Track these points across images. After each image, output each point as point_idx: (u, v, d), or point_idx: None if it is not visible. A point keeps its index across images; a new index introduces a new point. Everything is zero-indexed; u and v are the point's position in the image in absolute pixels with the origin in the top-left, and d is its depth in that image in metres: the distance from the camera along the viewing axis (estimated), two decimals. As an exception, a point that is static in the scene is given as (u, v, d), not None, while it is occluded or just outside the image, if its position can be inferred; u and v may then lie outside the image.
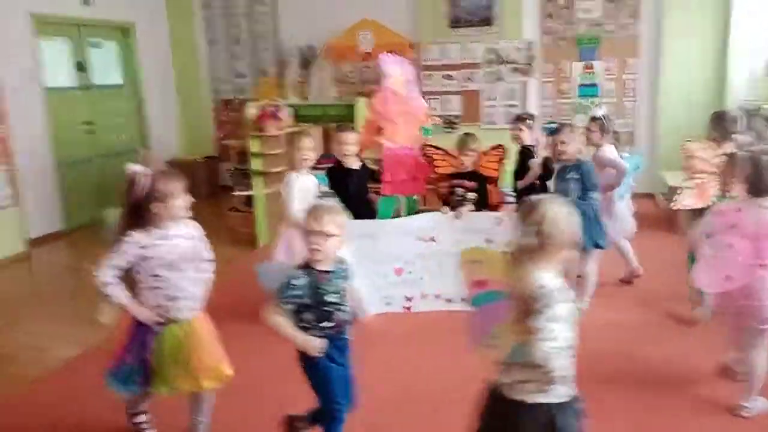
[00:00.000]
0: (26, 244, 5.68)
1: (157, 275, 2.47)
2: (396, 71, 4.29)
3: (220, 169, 8.11)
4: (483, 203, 4.02)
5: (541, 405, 1.77)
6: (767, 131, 5.63)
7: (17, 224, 5.60)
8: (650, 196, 6.77)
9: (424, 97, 4.81)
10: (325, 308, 2.30)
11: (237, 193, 5.58)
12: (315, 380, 2.42)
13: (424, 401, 2.98)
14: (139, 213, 2.44)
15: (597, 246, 3.78)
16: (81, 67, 6.80)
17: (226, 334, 3.79)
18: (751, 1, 6.05)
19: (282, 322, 2.26)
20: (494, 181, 4.08)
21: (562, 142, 3.76)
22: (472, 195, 4.00)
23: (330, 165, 4.16)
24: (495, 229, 3.91)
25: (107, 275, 2.42)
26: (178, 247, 2.52)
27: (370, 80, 7.21)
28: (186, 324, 2.56)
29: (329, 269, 2.33)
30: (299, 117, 5.88)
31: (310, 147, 3.69)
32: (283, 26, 7.76)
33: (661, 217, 5.78)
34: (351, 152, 3.98)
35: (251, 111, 5.52)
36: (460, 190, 4.02)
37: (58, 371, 3.47)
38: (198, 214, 4.86)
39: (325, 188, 4.00)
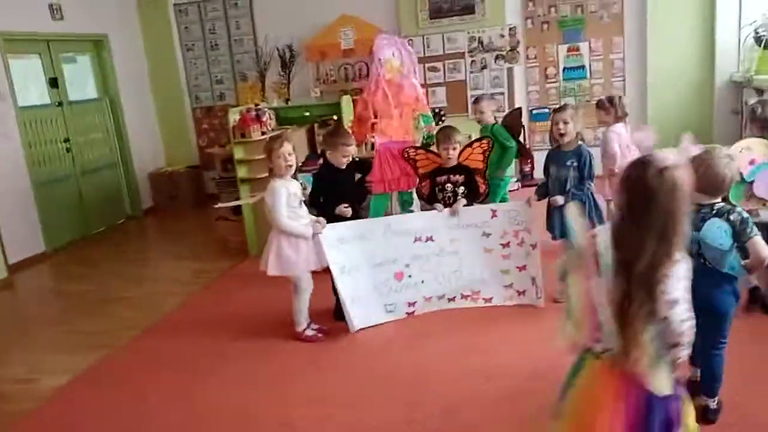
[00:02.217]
0: (6, 270, 5.48)
1: None
2: (392, 55, 4.09)
3: (204, 178, 7.94)
4: (474, 195, 3.91)
5: None
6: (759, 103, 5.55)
7: (-4, 249, 5.41)
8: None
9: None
10: None
11: (220, 204, 5.40)
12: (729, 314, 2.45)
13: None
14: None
15: None
16: (54, 83, 6.60)
17: (224, 347, 3.72)
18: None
19: None
20: (481, 172, 3.96)
21: (565, 122, 3.60)
22: (462, 189, 3.88)
23: (317, 166, 4.02)
24: (490, 222, 3.82)
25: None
26: None
27: (352, 77, 7.07)
28: None
29: None
30: (282, 119, 5.72)
31: (290, 152, 3.52)
32: (260, 28, 7.58)
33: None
34: (350, 159, 3.84)
35: (233, 117, 5.35)
36: (449, 186, 3.89)
37: (49, 403, 3.31)
38: (185, 225, 4.77)
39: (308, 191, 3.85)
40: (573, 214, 1.81)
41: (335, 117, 4.97)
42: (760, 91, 5.60)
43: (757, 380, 2.81)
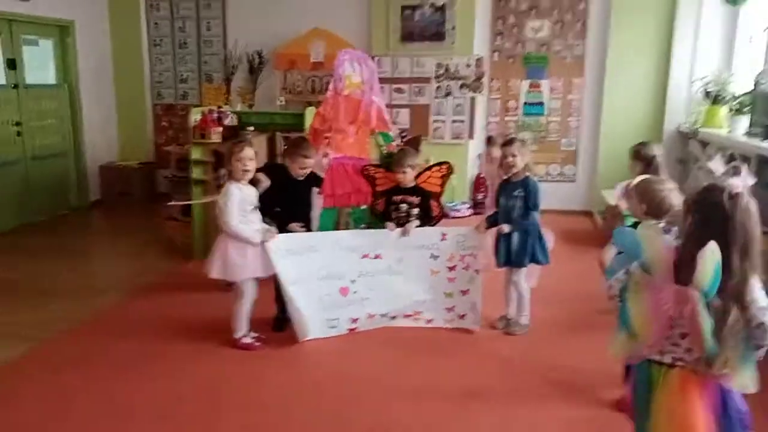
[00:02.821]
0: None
1: None
2: (354, 70, 4.11)
3: (157, 176, 7.81)
4: (427, 219, 3.97)
5: None
6: (702, 154, 5.84)
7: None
8: (589, 213, 6.89)
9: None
10: None
11: (173, 202, 5.30)
12: None
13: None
14: None
15: (536, 262, 3.80)
16: (12, 65, 6.43)
17: (157, 348, 3.65)
18: (691, 29, 6.26)
19: None
20: (437, 196, 4.03)
21: (513, 155, 3.72)
22: (416, 210, 3.93)
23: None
24: (439, 244, 3.88)
25: None
26: None
27: (319, 90, 7.11)
28: None
29: None
30: (244, 125, 5.69)
31: (251, 157, 3.53)
32: (231, 32, 7.58)
33: (598, 234, 5.86)
34: (306, 173, 3.85)
35: (195, 117, 5.32)
36: (404, 206, 3.94)
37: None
38: (132, 222, 4.68)
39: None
40: (645, 231, 1.98)
41: (251, 127, 4.90)
42: (704, 143, 5.87)
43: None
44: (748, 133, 5.08)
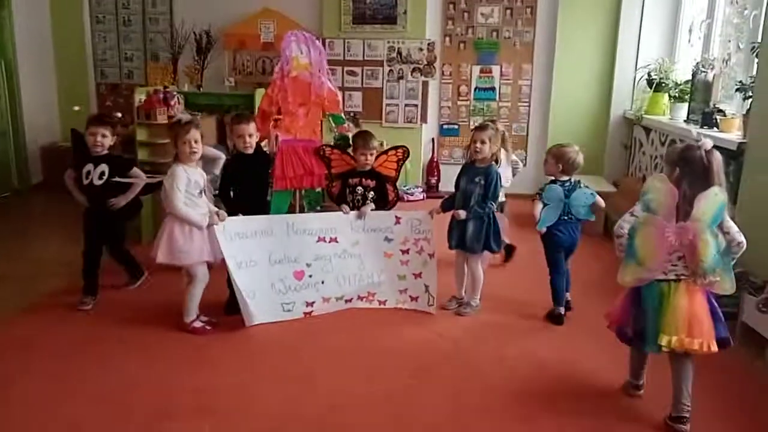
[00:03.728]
0: None
1: None
2: (301, 52, 4.06)
3: (103, 158, 7.54)
4: (383, 203, 3.98)
5: None
6: (646, 139, 6.03)
7: None
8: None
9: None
10: None
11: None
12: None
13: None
14: None
15: (489, 250, 3.85)
16: (-59, 38, 6.09)
17: (106, 333, 3.55)
18: (636, 18, 6.43)
19: None
20: (392, 180, 4.04)
21: (482, 142, 3.71)
22: (372, 194, 3.94)
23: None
24: (393, 227, 3.91)
25: None
26: None
27: (269, 71, 7.00)
28: None
29: None
30: (192, 105, 5.57)
31: (197, 139, 3.44)
32: (178, 9, 7.36)
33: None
34: (252, 144, 3.78)
35: (139, 96, 5.16)
36: (360, 189, 3.95)
37: None
38: (77, 205, 4.52)
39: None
40: (653, 181, 2.60)
41: (119, 114, 4.66)
42: (647, 129, 6.08)
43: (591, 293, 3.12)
44: (688, 120, 5.29)
